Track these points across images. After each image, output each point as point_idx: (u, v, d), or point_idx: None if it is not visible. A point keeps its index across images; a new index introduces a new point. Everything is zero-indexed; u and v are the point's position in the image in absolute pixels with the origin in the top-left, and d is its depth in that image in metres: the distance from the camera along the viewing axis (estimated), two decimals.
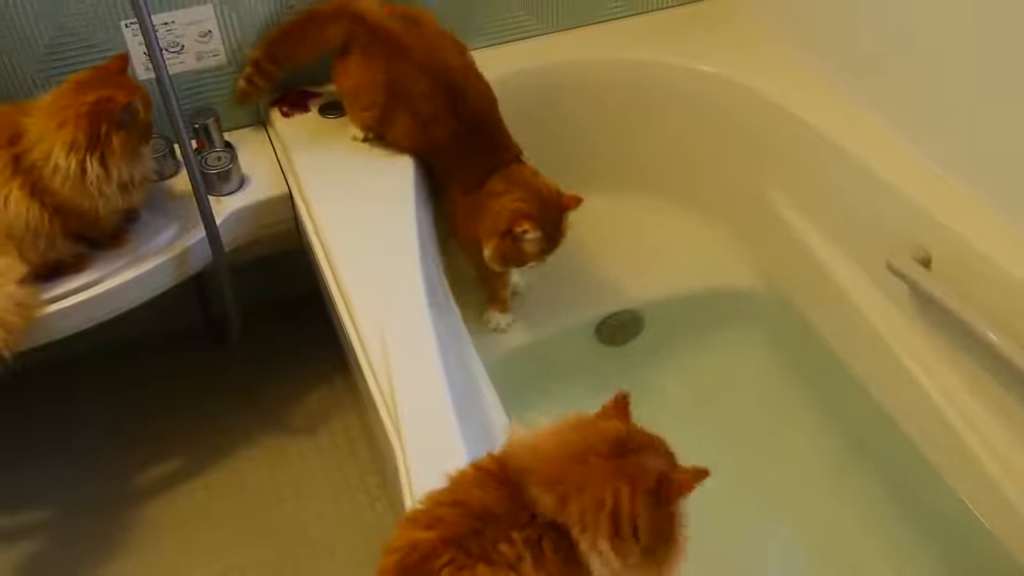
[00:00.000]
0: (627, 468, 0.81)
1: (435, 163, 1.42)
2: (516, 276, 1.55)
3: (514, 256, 1.33)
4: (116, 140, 1.20)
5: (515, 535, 0.76)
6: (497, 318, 1.51)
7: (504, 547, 0.76)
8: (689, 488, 0.82)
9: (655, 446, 0.85)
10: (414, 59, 1.35)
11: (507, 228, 1.30)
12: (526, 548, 0.76)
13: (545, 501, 0.78)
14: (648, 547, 0.81)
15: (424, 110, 1.36)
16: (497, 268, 1.37)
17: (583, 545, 0.78)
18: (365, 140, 1.44)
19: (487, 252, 1.34)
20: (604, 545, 0.78)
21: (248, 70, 1.47)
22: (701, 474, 0.83)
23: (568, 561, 0.78)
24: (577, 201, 1.33)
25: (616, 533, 0.79)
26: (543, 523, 0.78)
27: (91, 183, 1.20)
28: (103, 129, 1.19)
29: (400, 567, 0.76)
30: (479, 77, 1.40)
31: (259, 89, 1.49)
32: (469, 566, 0.75)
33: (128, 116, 1.21)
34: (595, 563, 0.78)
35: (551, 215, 1.32)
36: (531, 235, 1.29)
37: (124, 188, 1.25)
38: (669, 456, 0.86)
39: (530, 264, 1.36)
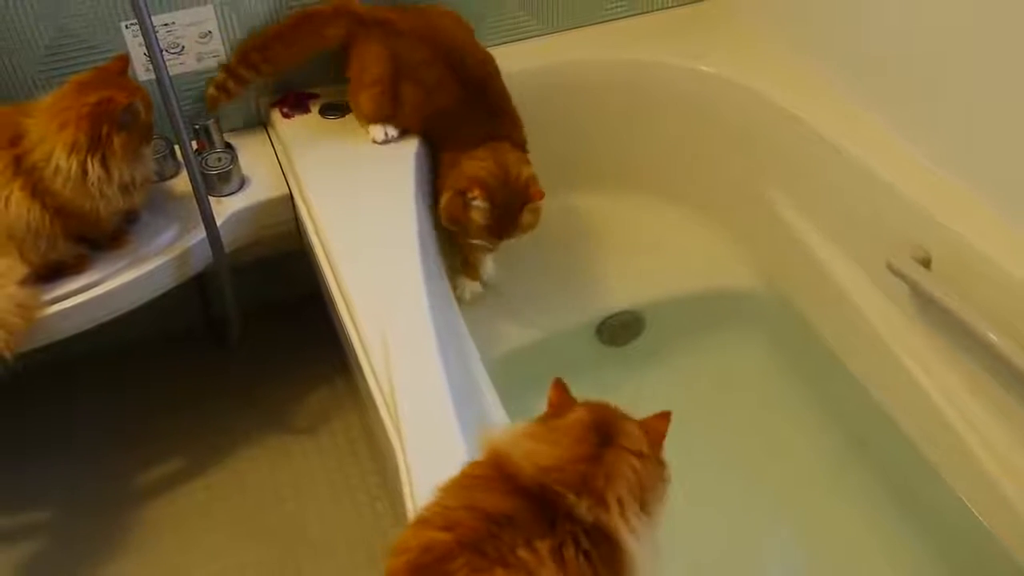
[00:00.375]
0: (625, 444, 0.84)
1: (441, 133, 1.43)
2: (489, 268, 1.55)
3: (460, 217, 1.35)
4: (117, 141, 1.20)
5: (537, 543, 0.77)
6: (464, 284, 1.52)
7: (523, 552, 0.76)
8: (665, 433, 0.89)
9: (616, 411, 0.88)
10: (411, 32, 1.39)
11: (462, 188, 1.33)
12: (550, 555, 0.77)
13: (585, 503, 0.79)
14: (658, 501, 0.86)
15: (427, 77, 1.39)
16: (444, 223, 1.39)
17: (623, 531, 0.80)
18: (385, 141, 1.43)
19: (441, 202, 1.37)
20: (636, 522, 0.81)
21: (220, 76, 1.47)
22: (666, 415, 0.89)
23: (592, 562, 0.79)
24: (539, 194, 1.35)
25: (641, 505, 0.82)
26: (566, 529, 0.79)
27: (92, 184, 1.20)
28: (104, 130, 1.19)
29: (414, 567, 0.76)
30: (478, 46, 1.44)
31: (230, 95, 1.48)
32: (486, 569, 0.75)
33: (129, 117, 1.21)
34: (632, 544, 0.80)
35: (508, 198, 1.34)
36: (479, 203, 1.32)
37: (125, 189, 1.25)
38: (625, 413, 0.89)
39: (476, 239, 1.38)
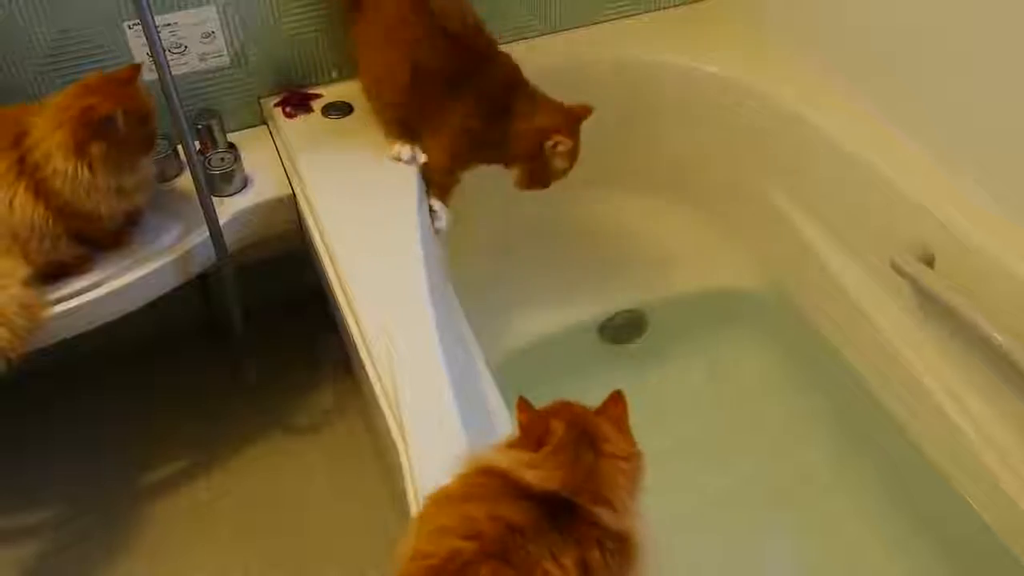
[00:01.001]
0: (612, 451, 0.86)
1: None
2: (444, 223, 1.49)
3: (546, 164, 1.36)
4: (96, 149, 1.19)
5: (563, 558, 0.78)
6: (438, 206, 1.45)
7: (549, 565, 0.77)
8: (626, 413, 0.92)
9: (586, 414, 0.90)
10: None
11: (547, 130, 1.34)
12: (575, 567, 0.78)
13: (607, 512, 0.81)
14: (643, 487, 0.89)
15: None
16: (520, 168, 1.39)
17: (636, 531, 0.83)
18: (411, 160, 1.40)
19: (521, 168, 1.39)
20: (641, 519, 0.84)
21: None
22: (618, 397, 0.92)
23: (612, 566, 0.81)
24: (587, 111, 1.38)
25: (637, 500, 0.86)
26: (592, 536, 0.80)
27: (81, 186, 1.20)
28: (84, 136, 1.18)
29: (436, 573, 0.76)
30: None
31: None
32: None
33: (109, 127, 1.19)
34: (643, 540, 0.83)
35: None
36: (562, 148, 1.34)
37: (117, 193, 1.24)
38: (589, 410, 0.91)
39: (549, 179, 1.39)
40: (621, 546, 0.81)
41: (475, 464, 0.85)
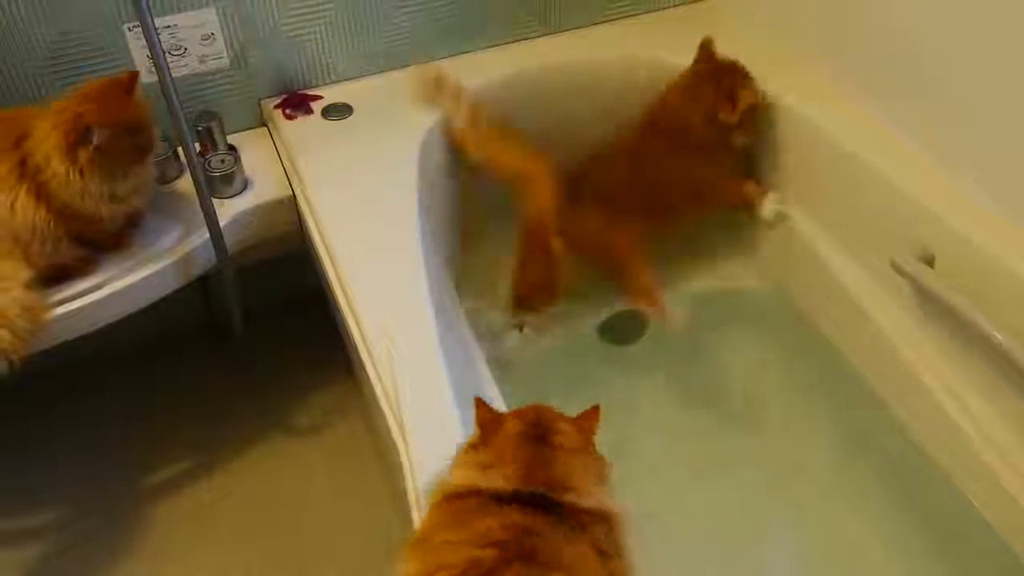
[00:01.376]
0: (561, 442, 0.88)
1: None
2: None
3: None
4: (84, 155, 1.19)
5: (581, 547, 0.80)
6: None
7: (570, 557, 0.79)
8: (596, 427, 0.93)
9: (549, 412, 0.92)
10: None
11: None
12: (595, 555, 0.80)
13: (581, 498, 0.83)
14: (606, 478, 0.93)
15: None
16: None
17: (611, 506, 0.85)
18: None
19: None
20: (609, 495, 0.87)
21: None
22: (595, 410, 0.93)
23: (617, 542, 0.84)
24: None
25: (602, 481, 0.89)
26: (588, 525, 0.82)
27: (75, 190, 1.21)
28: (73, 141, 1.19)
29: None
30: None
31: None
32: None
33: (95, 136, 1.18)
34: (621, 512, 0.87)
35: None
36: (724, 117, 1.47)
37: (111, 199, 1.24)
38: (559, 413, 0.93)
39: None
40: (608, 523, 0.84)
41: (443, 491, 0.86)
